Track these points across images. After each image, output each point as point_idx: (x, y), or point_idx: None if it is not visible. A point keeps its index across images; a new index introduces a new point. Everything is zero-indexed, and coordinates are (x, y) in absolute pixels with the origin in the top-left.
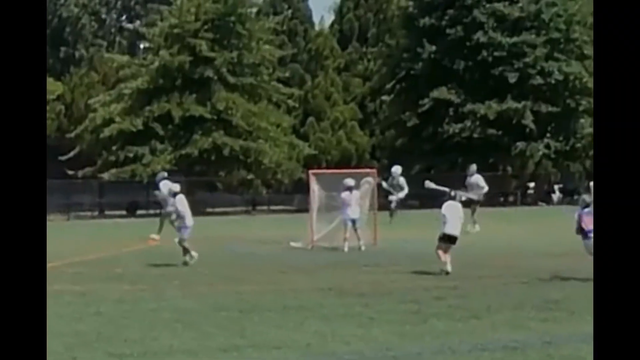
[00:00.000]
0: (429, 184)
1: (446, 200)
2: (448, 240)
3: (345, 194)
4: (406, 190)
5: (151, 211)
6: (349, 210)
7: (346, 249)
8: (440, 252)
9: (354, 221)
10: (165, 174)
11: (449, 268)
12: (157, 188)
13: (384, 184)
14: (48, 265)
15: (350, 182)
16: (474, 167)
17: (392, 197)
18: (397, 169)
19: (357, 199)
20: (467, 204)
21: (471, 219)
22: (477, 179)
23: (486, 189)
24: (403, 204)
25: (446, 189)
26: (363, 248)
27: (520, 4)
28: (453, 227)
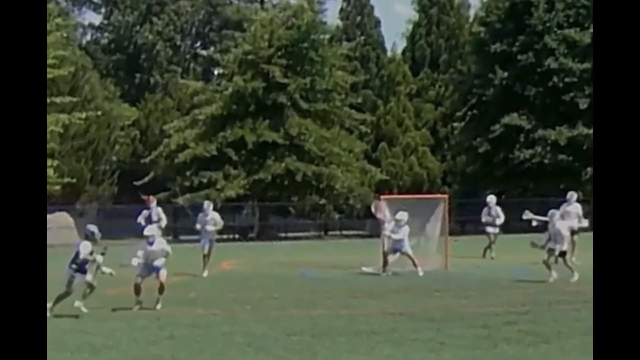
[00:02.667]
0: (528, 215)
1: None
2: None
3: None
4: (502, 219)
5: (224, 236)
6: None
7: (421, 273)
8: None
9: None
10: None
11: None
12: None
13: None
14: (122, 289)
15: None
16: (574, 194)
17: (491, 230)
18: (492, 198)
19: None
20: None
21: (572, 252)
22: (576, 207)
23: (584, 221)
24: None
25: (546, 219)
26: (421, 274)
27: (591, 30)
28: None
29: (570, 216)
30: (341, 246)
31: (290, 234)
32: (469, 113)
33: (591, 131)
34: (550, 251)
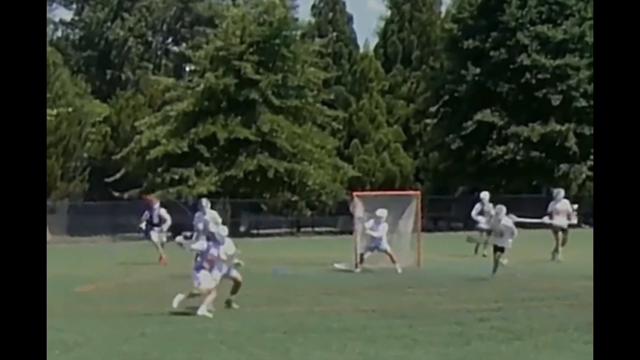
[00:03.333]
0: (513, 218)
1: None
2: None
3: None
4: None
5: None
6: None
7: (399, 270)
8: None
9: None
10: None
11: None
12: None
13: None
14: (94, 286)
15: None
16: (561, 191)
17: (485, 226)
18: (485, 195)
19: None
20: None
21: (560, 248)
22: (565, 204)
23: (574, 217)
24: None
25: (530, 220)
26: (400, 270)
27: (563, 27)
28: None
29: (559, 213)
30: (313, 243)
31: (262, 231)
32: (442, 110)
33: (564, 127)
34: (496, 248)
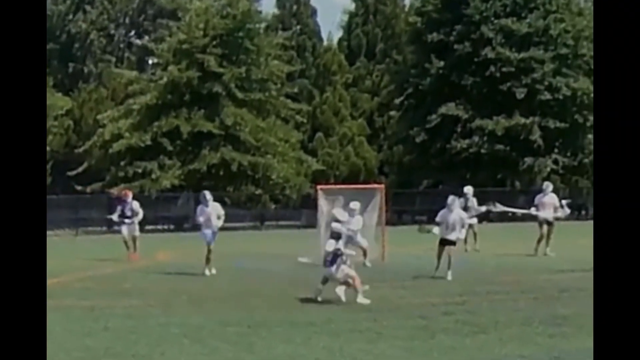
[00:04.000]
0: (499, 207)
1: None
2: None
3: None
4: (483, 209)
5: (159, 227)
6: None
7: (369, 264)
8: None
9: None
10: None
11: None
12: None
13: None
14: (57, 280)
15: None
16: (549, 185)
17: (470, 221)
18: (469, 189)
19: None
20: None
21: (544, 242)
22: (552, 197)
23: (561, 211)
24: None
25: (517, 210)
26: (369, 264)
27: (528, 20)
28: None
29: (546, 207)
30: (277, 237)
31: (226, 224)
32: (406, 103)
33: (529, 120)
34: (447, 242)
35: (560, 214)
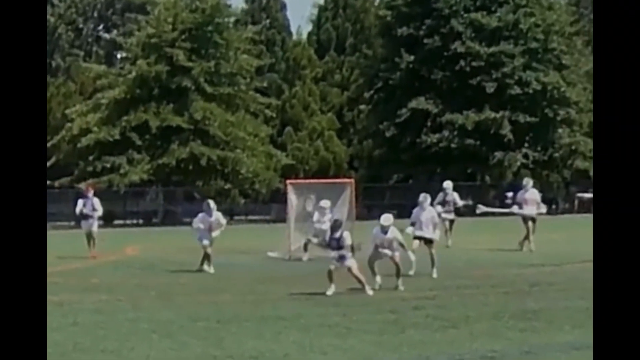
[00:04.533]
0: (482, 208)
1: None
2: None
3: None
4: (461, 203)
5: (128, 221)
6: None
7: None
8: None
9: None
10: None
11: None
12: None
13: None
14: None
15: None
16: (530, 181)
17: (447, 216)
18: (449, 184)
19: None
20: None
21: (528, 239)
22: (534, 193)
23: (543, 207)
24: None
25: (500, 210)
26: None
27: (498, 14)
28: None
29: (528, 203)
30: (247, 231)
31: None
32: (376, 97)
33: (499, 115)
34: (425, 240)
35: (543, 209)
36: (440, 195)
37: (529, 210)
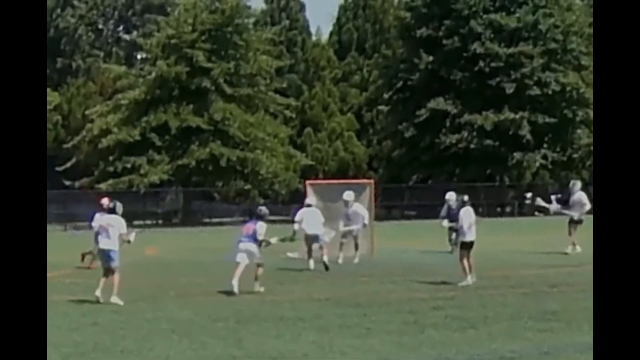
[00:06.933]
0: (540, 202)
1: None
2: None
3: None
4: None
5: (148, 222)
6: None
7: (340, 261)
8: (465, 262)
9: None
10: None
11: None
12: None
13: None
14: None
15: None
16: (578, 183)
17: (453, 224)
18: (452, 195)
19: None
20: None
21: (570, 240)
22: (581, 196)
23: (588, 206)
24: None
25: (550, 206)
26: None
27: (517, 15)
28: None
29: (575, 205)
30: (266, 231)
31: (214, 219)
32: (395, 97)
33: (518, 115)
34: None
35: (586, 209)
36: (444, 208)
37: (576, 211)
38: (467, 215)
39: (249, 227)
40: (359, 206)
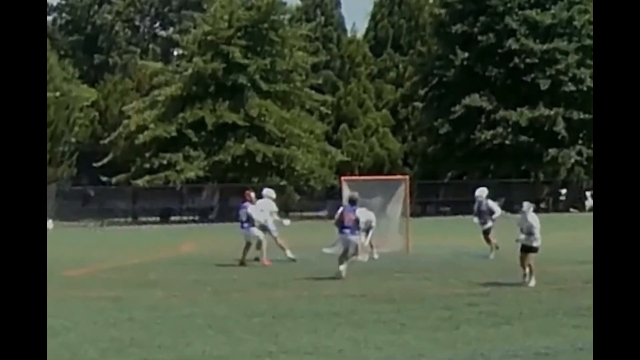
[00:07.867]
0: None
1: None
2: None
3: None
4: (498, 212)
5: (184, 218)
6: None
7: (376, 256)
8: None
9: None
10: None
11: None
12: None
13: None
14: (82, 271)
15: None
16: None
17: (483, 227)
18: (482, 191)
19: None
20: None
21: None
22: None
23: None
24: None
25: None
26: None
27: (552, 11)
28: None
29: None
30: (302, 227)
31: None
32: (430, 94)
33: (552, 112)
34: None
35: None
36: (475, 206)
37: None
38: (536, 220)
39: (349, 216)
40: (362, 211)
